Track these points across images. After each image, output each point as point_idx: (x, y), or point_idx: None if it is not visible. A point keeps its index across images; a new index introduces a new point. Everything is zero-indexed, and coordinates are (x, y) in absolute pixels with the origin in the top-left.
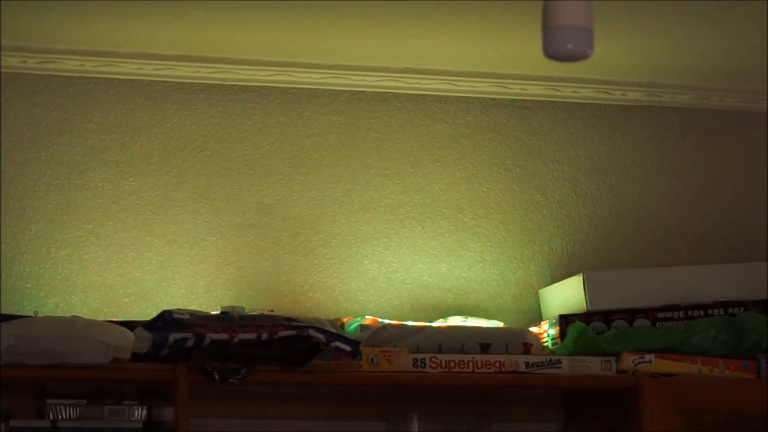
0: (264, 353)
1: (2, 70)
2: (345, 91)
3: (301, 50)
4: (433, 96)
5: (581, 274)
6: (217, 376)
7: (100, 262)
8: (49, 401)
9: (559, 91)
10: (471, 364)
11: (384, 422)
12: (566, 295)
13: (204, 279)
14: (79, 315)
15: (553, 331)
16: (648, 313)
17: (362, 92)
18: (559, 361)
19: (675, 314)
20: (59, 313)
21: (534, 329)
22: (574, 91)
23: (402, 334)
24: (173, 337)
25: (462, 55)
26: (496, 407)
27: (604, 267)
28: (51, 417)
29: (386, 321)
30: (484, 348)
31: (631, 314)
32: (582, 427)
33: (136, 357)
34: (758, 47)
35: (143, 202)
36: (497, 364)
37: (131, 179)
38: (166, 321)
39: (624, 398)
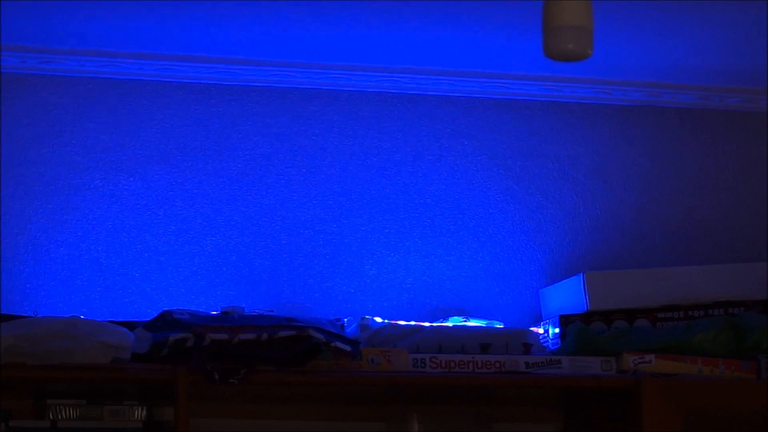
0: (264, 353)
1: (2, 70)
2: (345, 91)
3: (301, 50)
4: (433, 96)
5: (581, 274)
6: (217, 376)
7: (100, 262)
8: (49, 401)
9: (559, 91)
10: (471, 364)
11: (384, 422)
12: (566, 295)
13: (204, 279)
14: (79, 315)
15: (553, 331)
16: (648, 313)
17: (362, 92)
18: (559, 361)
19: (675, 314)
20: (59, 313)
21: (534, 329)
22: (574, 91)
23: (402, 334)
24: (173, 337)
25: (462, 55)
26: (496, 407)
27: (604, 267)
28: (51, 417)
29: (386, 321)
30: (484, 348)
31: (631, 314)
32: (582, 427)
33: (136, 357)
34: (758, 47)
35: (143, 202)
36: (497, 365)
37: (131, 179)
38: (166, 321)
39: (624, 398)
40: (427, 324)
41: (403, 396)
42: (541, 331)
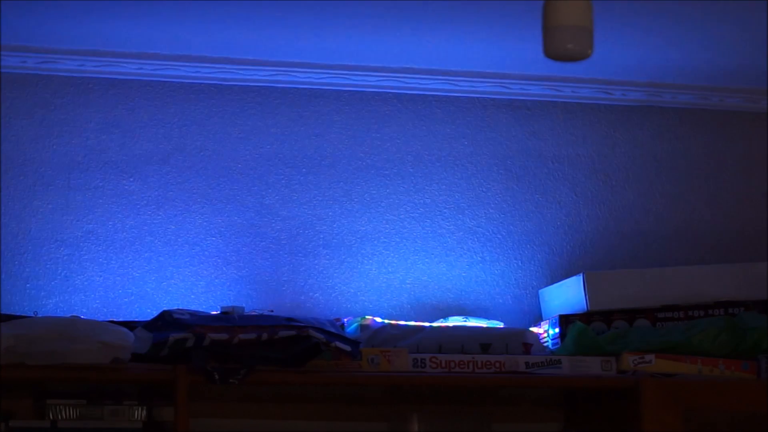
0: (264, 353)
1: (2, 70)
2: (345, 91)
3: (301, 50)
4: (433, 96)
5: (581, 274)
6: (217, 376)
7: (100, 262)
8: (49, 401)
9: (559, 91)
10: (471, 364)
11: (384, 422)
12: (566, 295)
13: (204, 279)
14: (79, 315)
15: (553, 331)
16: (648, 313)
17: (362, 92)
18: (559, 361)
19: (675, 314)
20: (59, 313)
21: (534, 329)
22: (574, 91)
23: (402, 334)
24: (173, 337)
25: (462, 55)
26: (496, 407)
27: (604, 267)
28: (51, 417)
29: (386, 321)
30: (484, 348)
31: (631, 314)
32: (582, 427)
33: (136, 357)
34: (758, 47)
35: (143, 202)
36: (497, 364)
37: (131, 179)
38: (166, 321)
39: (624, 398)
40: (427, 324)
41: (403, 396)
42: (541, 331)
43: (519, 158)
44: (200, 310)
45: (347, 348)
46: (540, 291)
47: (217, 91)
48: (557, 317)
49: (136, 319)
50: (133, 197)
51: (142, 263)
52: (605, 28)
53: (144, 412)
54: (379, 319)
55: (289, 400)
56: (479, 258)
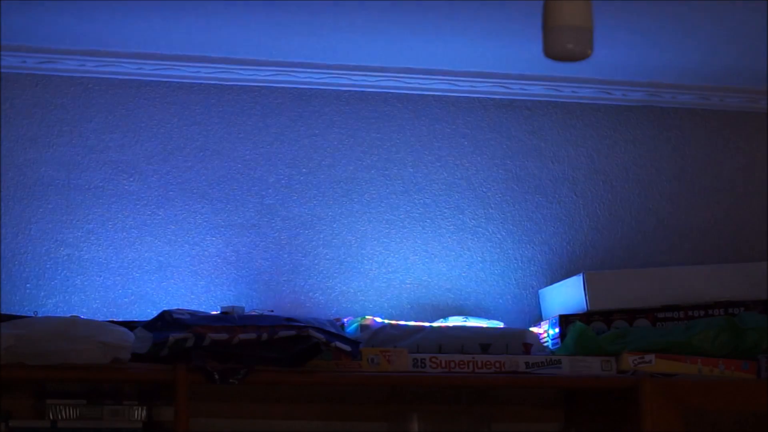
0: (264, 353)
1: (2, 70)
2: (345, 91)
3: (301, 50)
4: (433, 96)
5: (581, 274)
6: (217, 376)
7: (100, 262)
8: (49, 401)
9: (559, 91)
10: (471, 364)
11: (384, 422)
12: (566, 295)
13: (204, 279)
14: (79, 315)
15: (553, 331)
16: (648, 313)
17: (362, 92)
18: (559, 361)
19: (675, 314)
20: (59, 313)
21: (534, 329)
22: (574, 91)
23: (402, 334)
24: (173, 337)
25: (462, 55)
26: (496, 407)
27: (604, 267)
28: (51, 417)
29: (386, 321)
30: (484, 348)
31: (631, 314)
32: (582, 427)
33: (136, 357)
34: (758, 47)
35: (143, 202)
36: (497, 365)
37: (131, 179)
38: (166, 321)
39: (624, 398)
40: (427, 324)
41: (403, 396)
42: (541, 331)
43: (519, 158)
44: (200, 310)
45: (347, 348)
46: (540, 291)
47: (217, 91)
48: (557, 317)
49: (136, 319)
50: (133, 197)
51: (142, 263)
52: (605, 28)
53: (144, 412)
54: (379, 319)
55: (289, 400)
56: (479, 258)
